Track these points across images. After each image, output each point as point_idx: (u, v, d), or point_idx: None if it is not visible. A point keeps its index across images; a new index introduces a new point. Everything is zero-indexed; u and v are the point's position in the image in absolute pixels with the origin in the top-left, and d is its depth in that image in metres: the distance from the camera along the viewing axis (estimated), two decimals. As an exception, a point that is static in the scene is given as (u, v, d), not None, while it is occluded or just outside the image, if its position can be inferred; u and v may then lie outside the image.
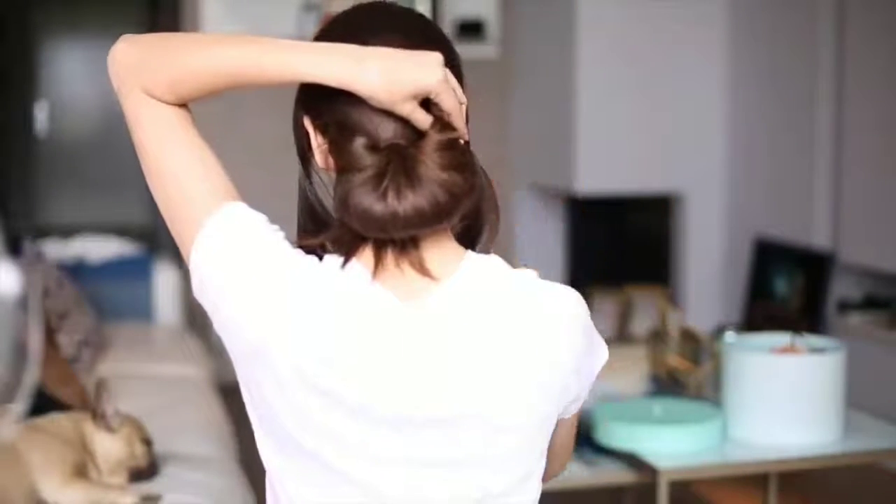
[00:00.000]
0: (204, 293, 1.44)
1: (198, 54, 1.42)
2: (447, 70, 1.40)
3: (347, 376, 1.39)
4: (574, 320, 1.46)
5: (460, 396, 1.41)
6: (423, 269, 1.41)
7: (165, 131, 1.44)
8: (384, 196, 1.35)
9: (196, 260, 1.42)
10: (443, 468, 1.43)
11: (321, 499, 1.44)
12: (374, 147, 1.38)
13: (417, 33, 1.46)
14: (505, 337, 1.41)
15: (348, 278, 1.41)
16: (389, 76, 1.36)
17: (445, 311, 1.41)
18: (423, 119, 1.39)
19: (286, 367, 1.39)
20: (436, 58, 1.39)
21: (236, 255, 1.41)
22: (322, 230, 1.45)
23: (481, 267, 1.45)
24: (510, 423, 1.43)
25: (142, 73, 1.43)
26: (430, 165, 1.36)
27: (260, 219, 1.43)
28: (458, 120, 1.41)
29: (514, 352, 1.42)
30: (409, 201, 1.35)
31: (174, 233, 1.46)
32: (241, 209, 1.43)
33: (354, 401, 1.39)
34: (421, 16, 1.53)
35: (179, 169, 1.43)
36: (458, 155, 1.39)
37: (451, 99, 1.40)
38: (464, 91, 1.47)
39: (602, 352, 1.52)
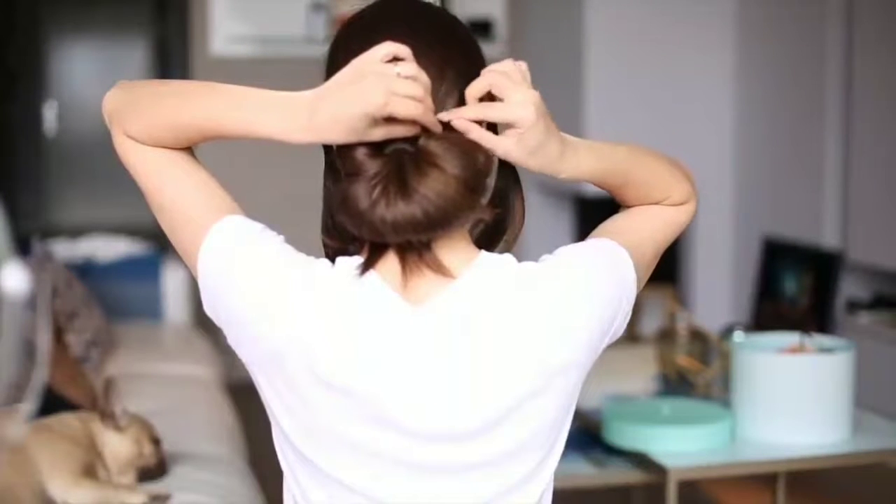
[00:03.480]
0: (213, 306, 1.45)
1: (171, 108, 1.44)
2: (393, 79, 1.35)
3: (361, 378, 1.39)
4: (580, 286, 1.44)
5: (472, 404, 1.40)
6: (440, 269, 1.41)
7: (154, 169, 1.46)
8: (376, 203, 1.34)
9: (202, 272, 1.43)
10: (451, 472, 1.43)
11: (329, 501, 1.44)
12: (375, 153, 1.37)
13: (425, 31, 1.44)
14: (512, 333, 1.40)
15: (354, 279, 1.41)
16: (337, 116, 1.35)
17: (452, 311, 1.40)
18: (401, 131, 1.37)
19: (300, 369, 1.39)
20: (372, 79, 1.34)
21: (239, 261, 1.42)
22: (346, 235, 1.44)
23: (490, 266, 1.44)
24: (521, 422, 1.43)
25: (123, 120, 1.45)
26: (425, 176, 1.35)
27: (257, 227, 1.44)
28: (427, 119, 1.37)
29: (523, 346, 1.40)
30: (399, 210, 1.34)
31: (185, 258, 1.47)
32: (238, 220, 1.44)
33: (366, 401, 1.39)
34: (436, 11, 1.49)
35: (176, 199, 1.45)
36: (461, 163, 1.37)
37: (405, 107, 1.35)
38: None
39: (630, 282, 1.48)
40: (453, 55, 1.44)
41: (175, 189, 1.45)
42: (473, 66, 1.45)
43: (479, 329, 1.40)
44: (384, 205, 1.34)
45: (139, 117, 1.44)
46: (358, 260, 1.42)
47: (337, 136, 1.37)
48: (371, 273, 1.41)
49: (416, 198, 1.34)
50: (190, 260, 1.45)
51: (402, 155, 1.36)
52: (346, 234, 1.43)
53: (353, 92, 1.35)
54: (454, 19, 1.50)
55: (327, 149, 1.48)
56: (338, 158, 1.42)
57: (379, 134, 1.36)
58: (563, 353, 1.42)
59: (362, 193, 1.35)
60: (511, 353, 1.40)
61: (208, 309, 1.46)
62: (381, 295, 1.40)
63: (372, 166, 1.36)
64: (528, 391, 1.41)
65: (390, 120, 1.36)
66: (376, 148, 1.37)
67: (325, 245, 1.49)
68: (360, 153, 1.37)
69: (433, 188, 1.34)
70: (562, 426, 1.47)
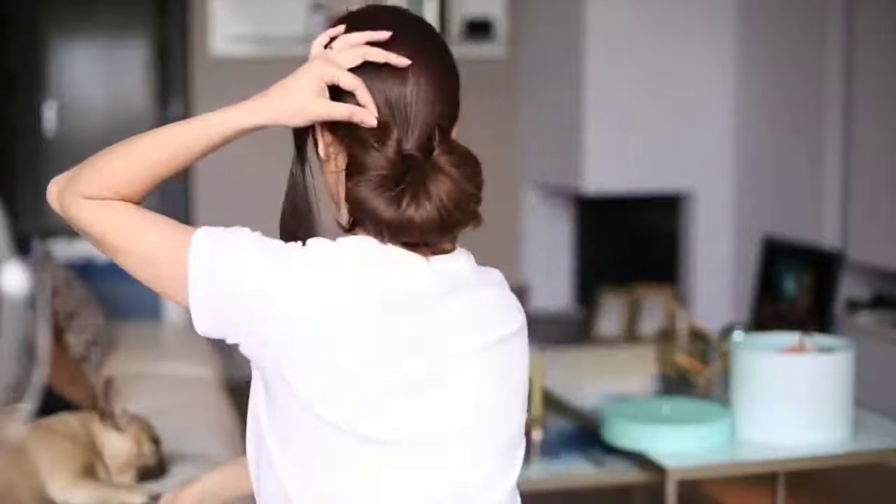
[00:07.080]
0: (213, 316, 1.47)
1: (150, 147, 1.50)
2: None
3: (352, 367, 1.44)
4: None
5: (459, 404, 1.47)
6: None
7: (112, 217, 1.49)
8: (400, 202, 1.42)
9: (192, 292, 1.45)
10: (425, 468, 1.46)
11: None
12: (392, 156, 1.44)
13: (423, 42, 1.51)
14: (487, 329, 1.50)
15: (349, 269, 1.45)
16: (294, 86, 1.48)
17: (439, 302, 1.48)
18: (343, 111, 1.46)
19: (308, 345, 1.43)
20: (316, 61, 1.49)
21: (225, 260, 1.45)
22: (301, 224, 1.52)
23: (460, 260, 1.52)
24: (501, 421, 1.49)
25: (79, 186, 1.50)
26: (442, 184, 1.43)
27: (220, 229, 1.48)
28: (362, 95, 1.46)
29: (496, 342, 1.50)
30: (425, 212, 1.42)
31: (171, 294, 1.49)
32: (204, 230, 1.48)
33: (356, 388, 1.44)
34: (429, 25, 1.57)
35: (140, 236, 1.48)
36: (468, 175, 1.46)
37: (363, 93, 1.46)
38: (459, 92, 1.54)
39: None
40: (446, 72, 1.52)
41: (140, 233, 1.48)
42: (456, 84, 1.53)
43: (458, 324, 1.49)
44: (414, 208, 1.42)
45: (101, 175, 1.49)
46: (361, 240, 1.46)
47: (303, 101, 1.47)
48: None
49: (439, 204, 1.43)
50: (179, 292, 1.47)
51: (420, 163, 1.44)
52: (309, 227, 1.50)
53: (301, 71, 1.49)
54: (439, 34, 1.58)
55: (298, 136, 1.55)
56: (350, 152, 1.48)
57: (336, 109, 1.46)
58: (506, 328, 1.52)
59: (385, 191, 1.42)
60: (484, 355, 1.49)
61: (211, 325, 1.47)
62: (373, 286, 1.46)
63: (388, 167, 1.44)
64: (503, 392, 1.51)
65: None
66: (393, 152, 1.44)
67: (284, 235, 1.53)
68: (377, 154, 1.44)
69: (450, 196, 1.43)
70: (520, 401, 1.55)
